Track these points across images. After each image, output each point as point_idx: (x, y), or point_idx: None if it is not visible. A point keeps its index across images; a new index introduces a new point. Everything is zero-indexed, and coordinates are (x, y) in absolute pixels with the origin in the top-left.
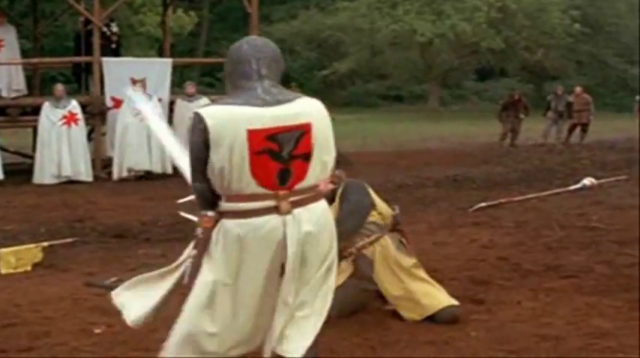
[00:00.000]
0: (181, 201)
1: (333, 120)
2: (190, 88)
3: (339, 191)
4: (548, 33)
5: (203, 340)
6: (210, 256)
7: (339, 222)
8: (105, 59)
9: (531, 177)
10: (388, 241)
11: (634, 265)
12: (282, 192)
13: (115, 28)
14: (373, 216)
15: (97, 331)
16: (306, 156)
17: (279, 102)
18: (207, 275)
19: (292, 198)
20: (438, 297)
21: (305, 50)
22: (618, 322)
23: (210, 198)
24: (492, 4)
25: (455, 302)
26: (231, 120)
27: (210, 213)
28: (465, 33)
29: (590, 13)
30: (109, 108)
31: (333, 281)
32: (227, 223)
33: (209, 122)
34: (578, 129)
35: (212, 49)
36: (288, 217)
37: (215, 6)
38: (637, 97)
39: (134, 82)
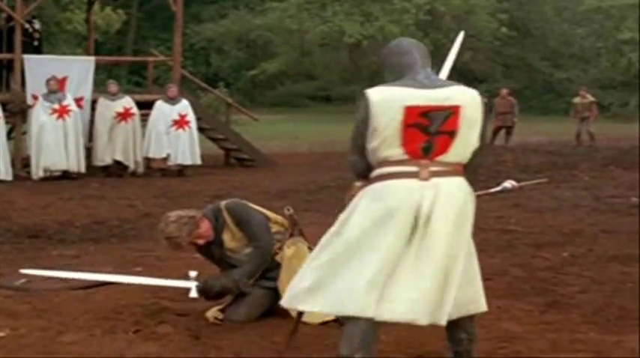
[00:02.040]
0: None
1: (256, 120)
2: (113, 86)
3: (225, 215)
4: (475, 36)
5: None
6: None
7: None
8: (26, 56)
9: None
10: (299, 246)
11: (548, 268)
12: (423, 161)
13: (37, 25)
14: (274, 228)
15: (1, 335)
16: (452, 134)
17: (435, 87)
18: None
19: (432, 168)
20: None
21: (234, 50)
22: (528, 326)
23: (362, 170)
24: (421, 7)
25: None
26: (391, 96)
27: (359, 184)
28: (393, 35)
29: (517, 16)
30: (29, 106)
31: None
32: (374, 185)
33: (374, 98)
34: (502, 132)
35: (140, 48)
36: (427, 183)
37: (143, 4)
38: (574, 100)
39: (55, 79)
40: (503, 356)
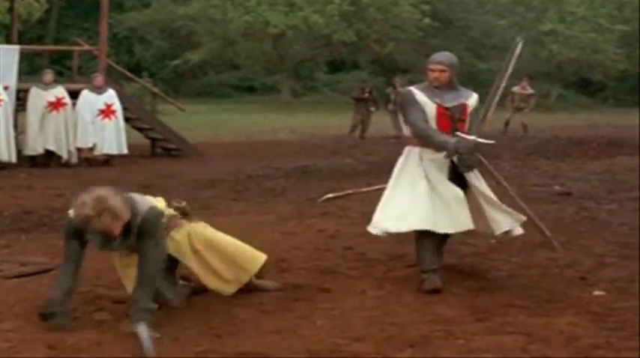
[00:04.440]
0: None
1: (183, 111)
2: (48, 76)
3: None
4: (399, 27)
5: None
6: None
7: None
8: None
9: (379, 169)
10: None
11: (476, 254)
12: None
13: None
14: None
15: None
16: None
17: None
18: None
19: None
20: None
21: (157, 39)
22: (461, 309)
23: None
24: None
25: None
26: None
27: None
28: (317, 25)
29: (440, 8)
30: None
31: None
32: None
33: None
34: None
35: (62, 37)
36: None
37: None
38: (513, 88)
39: None
40: (437, 338)
